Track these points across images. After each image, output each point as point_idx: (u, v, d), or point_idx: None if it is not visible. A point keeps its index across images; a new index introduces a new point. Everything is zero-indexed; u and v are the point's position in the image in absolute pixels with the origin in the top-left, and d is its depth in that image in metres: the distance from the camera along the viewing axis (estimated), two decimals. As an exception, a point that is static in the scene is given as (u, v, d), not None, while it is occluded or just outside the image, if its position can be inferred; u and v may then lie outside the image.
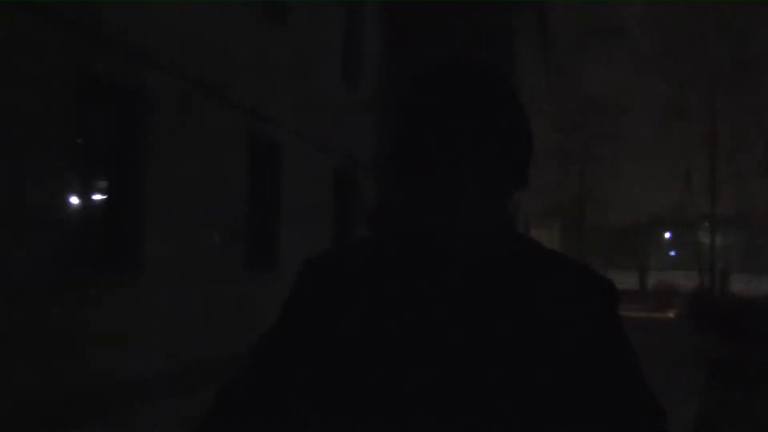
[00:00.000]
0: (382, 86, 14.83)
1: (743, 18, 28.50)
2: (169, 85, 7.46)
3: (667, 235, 50.96)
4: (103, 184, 6.86)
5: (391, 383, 0.93)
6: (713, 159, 27.35)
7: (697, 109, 28.72)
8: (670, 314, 23.76)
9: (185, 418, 5.50)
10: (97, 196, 6.84)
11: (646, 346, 4.39)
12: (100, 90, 6.62)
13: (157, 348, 7.27)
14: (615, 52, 29.08)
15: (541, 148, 29.25)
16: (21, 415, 5.59)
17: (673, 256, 52.37)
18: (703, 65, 28.45)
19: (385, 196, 15.02)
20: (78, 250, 6.37)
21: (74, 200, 6.42)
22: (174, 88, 7.54)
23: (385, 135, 14.97)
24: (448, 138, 0.98)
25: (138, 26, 6.96)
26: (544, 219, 36.74)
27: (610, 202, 35.31)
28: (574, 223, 35.02)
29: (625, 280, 30.73)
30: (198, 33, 7.97)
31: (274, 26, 9.88)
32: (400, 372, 0.93)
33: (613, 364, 0.98)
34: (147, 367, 7.11)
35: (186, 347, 7.81)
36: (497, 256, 0.97)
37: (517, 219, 18.16)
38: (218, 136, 8.51)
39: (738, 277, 31.27)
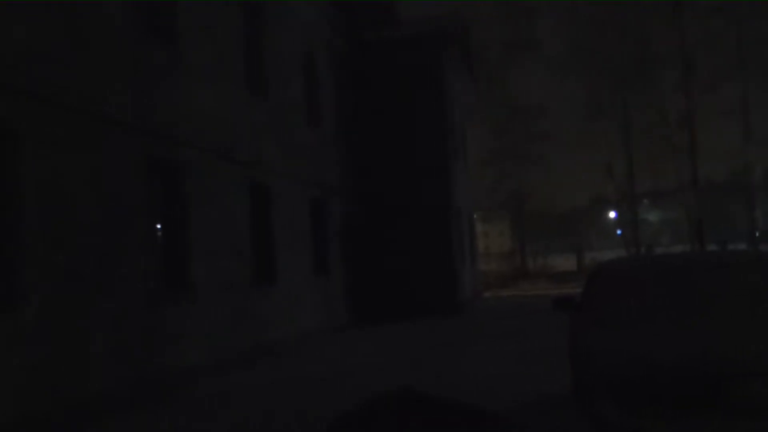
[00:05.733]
0: (340, 123, 17.88)
1: (641, 21, 31.97)
2: (196, 156, 10.44)
3: (612, 214, 54.15)
4: (163, 229, 9.79)
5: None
6: (629, 147, 31.07)
7: (610, 105, 32.31)
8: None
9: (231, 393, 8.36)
10: (160, 237, 9.75)
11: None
12: (157, 166, 9.56)
13: (204, 343, 10.23)
14: (534, 61, 32.61)
15: (481, 153, 32.70)
16: (115, 390, 8.49)
17: (619, 235, 55.81)
18: (611, 66, 31.99)
19: (348, 213, 18.01)
20: (153, 274, 9.29)
21: (147, 240, 9.31)
22: (199, 157, 10.53)
23: (344, 163, 18.02)
24: None
25: (177, 118, 9.95)
26: (494, 214, 39.81)
27: (548, 192, 38.97)
28: (518, 215, 38.47)
29: (564, 263, 34.37)
30: (212, 114, 10.98)
31: (257, 97, 12.91)
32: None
33: None
34: (198, 357, 10.06)
35: (222, 342, 10.77)
36: None
37: (460, 216, 21.14)
38: (229, 186, 11.49)
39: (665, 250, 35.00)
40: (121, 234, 8.61)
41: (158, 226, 9.70)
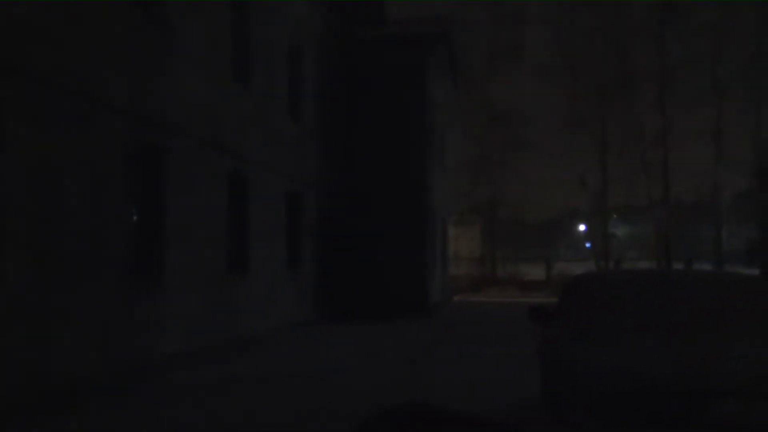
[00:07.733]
0: (322, 118, 17.79)
1: (625, 36, 32.26)
2: (180, 142, 10.30)
3: (582, 227, 54.73)
4: (140, 214, 9.63)
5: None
6: (603, 161, 31.38)
7: (590, 118, 32.56)
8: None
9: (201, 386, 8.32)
10: (136, 222, 9.59)
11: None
12: (141, 150, 9.41)
13: (177, 331, 10.10)
14: (518, 69, 32.80)
15: (458, 157, 32.76)
16: (90, 376, 8.35)
17: (588, 247, 56.50)
18: (593, 78, 32.23)
19: (324, 209, 17.92)
20: (130, 259, 9.13)
21: (124, 225, 9.15)
22: (183, 144, 10.38)
23: (323, 159, 17.93)
24: None
25: (165, 104, 9.80)
26: (465, 218, 39.84)
27: (522, 201, 39.16)
28: (490, 221, 38.58)
29: (533, 272, 34.65)
30: (198, 102, 10.84)
31: (242, 87, 12.79)
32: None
33: None
34: (172, 346, 9.93)
35: (195, 331, 10.64)
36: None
37: (435, 220, 21.19)
38: (209, 174, 11.36)
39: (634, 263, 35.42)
40: (102, 218, 8.47)
41: (136, 211, 9.54)
